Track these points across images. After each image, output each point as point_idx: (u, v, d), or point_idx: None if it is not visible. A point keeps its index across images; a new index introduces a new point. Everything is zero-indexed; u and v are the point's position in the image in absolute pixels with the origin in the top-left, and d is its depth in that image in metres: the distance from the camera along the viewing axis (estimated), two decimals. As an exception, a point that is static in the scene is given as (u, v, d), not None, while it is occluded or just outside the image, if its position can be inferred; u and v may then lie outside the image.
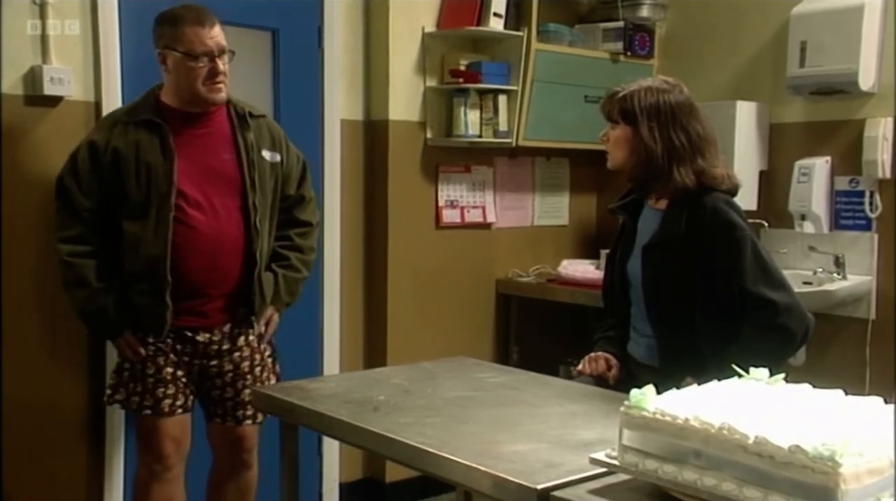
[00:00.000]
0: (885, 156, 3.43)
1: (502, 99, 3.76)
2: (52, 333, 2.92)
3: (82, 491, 3.05)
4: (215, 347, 2.61)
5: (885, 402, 1.47)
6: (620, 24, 3.98)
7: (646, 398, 1.46)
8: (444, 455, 1.70)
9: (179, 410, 2.60)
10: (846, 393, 1.53)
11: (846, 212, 3.61)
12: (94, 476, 3.06)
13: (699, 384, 1.63)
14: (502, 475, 1.57)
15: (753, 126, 3.77)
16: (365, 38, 3.67)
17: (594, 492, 1.51)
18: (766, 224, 3.77)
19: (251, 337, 2.67)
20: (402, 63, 3.64)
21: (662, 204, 2.28)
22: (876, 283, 3.53)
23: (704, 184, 2.20)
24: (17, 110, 2.83)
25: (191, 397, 2.64)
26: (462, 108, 3.69)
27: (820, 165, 3.60)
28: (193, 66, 2.48)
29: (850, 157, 3.56)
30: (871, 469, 1.25)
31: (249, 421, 2.67)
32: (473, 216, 3.95)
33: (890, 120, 3.43)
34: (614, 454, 1.50)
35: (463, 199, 3.91)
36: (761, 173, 3.81)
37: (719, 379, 1.61)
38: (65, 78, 2.87)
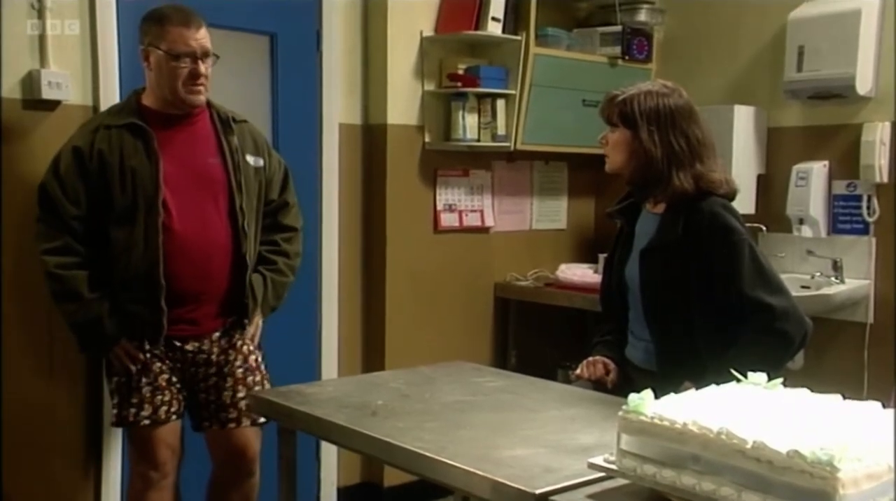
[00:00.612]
0: (882, 161, 3.43)
1: (500, 103, 3.76)
2: (51, 343, 2.90)
3: (80, 501, 3.05)
4: (204, 355, 2.60)
5: (884, 407, 1.47)
6: (618, 28, 3.99)
7: (644, 402, 1.46)
8: (443, 460, 1.69)
9: (174, 416, 2.59)
10: (844, 398, 1.53)
11: (844, 216, 3.61)
12: (91, 487, 3.05)
13: (697, 388, 1.63)
14: (501, 480, 1.57)
15: (751, 130, 3.78)
16: (363, 43, 3.67)
17: (593, 497, 1.51)
18: (764, 228, 3.77)
19: (240, 343, 2.66)
20: (400, 67, 3.64)
21: (660, 208, 2.28)
22: (874, 287, 3.53)
23: (703, 189, 2.20)
24: (15, 114, 2.82)
25: (182, 403, 2.64)
26: (460, 112, 3.70)
27: (818, 169, 3.60)
28: (175, 66, 2.48)
29: (847, 161, 3.57)
30: (870, 474, 1.25)
31: (234, 424, 2.64)
32: (472, 220, 3.95)
33: (887, 124, 3.44)
34: (612, 458, 1.50)
35: (461, 203, 3.91)
36: (759, 177, 3.82)
37: (717, 384, 1.61)
38: (63, 82, 2.86)
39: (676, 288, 2.20)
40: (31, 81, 2.83)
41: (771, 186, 3.80)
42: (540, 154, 4.12)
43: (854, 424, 1.38)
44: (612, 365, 2.38)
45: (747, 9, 3.86)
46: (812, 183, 3.58)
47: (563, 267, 4.02)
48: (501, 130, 3.78)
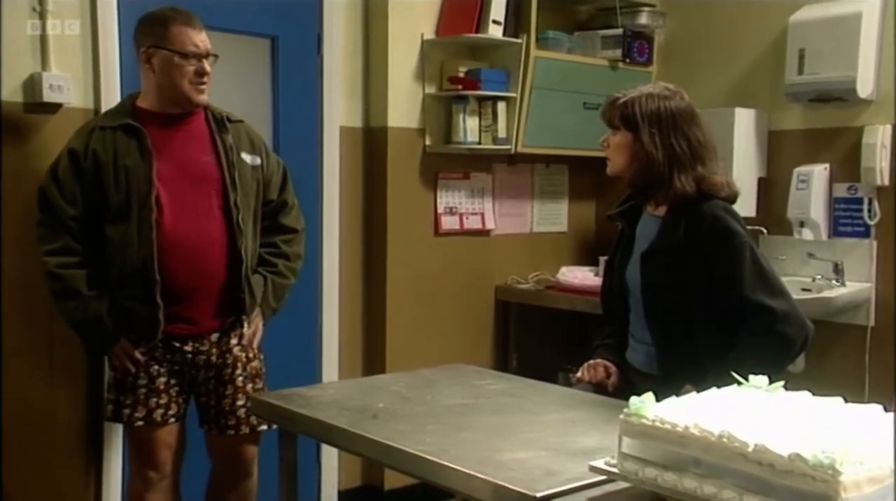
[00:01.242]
0: (883, 164, 3.43)
1: (501, 106, 3.76)
2: (51, 344, 2.90)
3: (80, 503, 3.04)
4: (203, 357, 2.60)
5: (885, 410, 1.46)
6: (619, 31, 3.99)
7: (645, 405, 1.46)
8: (444, 463, 1.69)
9: (172, 419, 2.59)
10: (846, 401, 1.52)
11: (845, 219, 3.61)
12: (92, 488, 3.05)
13: (698, 391, 1.63)
14: (502, 483, 1.57)
15: (752, 133, 3.78)
16: (364, 45, 3.68)
17: (594, 500, 1.50)
18: (765, 231, 3.77)
19: (239, 349, 2.65)
20: (401, 70, 3.65)
21: (661, 210, 2.28)
22: (875, 290, 3.53)
23: (704, 192, 2.20)
24: (17, 117, 2.82)
25: (183, 405, 2.64)
26: (461, 115, 3.70)
27: (818, 172, 3.60)
28: (183, 65, 2.50)
29: (848, 164, 3.57)
30: (872, 478, 1.25)
31: (232, 431, 2.63)
32: (472, 223, 3.95)
33: (888, 127, 3.44)
34: (614, 462, 1.49)
35: (462, 206, 3.91)
36: (760, 180, 3.82)
37: (719, 387, 1.61)
38: (64, 85, 2.87)
39: (677, 290, 2.20)
40: (32, 84, 2.83)
41: (772, 189, 3.80)
42: (541, 157, 4.12)
43: (856, 427, 1.38)
44: (612, 369, 2.38)
45: (748, 11, 3.87)
46: (813, 186, 3.58)
47: (563, 269, 4.02)
48: (502, 133, 3.78)
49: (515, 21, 3.73)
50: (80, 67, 2.93)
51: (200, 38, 2.53)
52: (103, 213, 2.50)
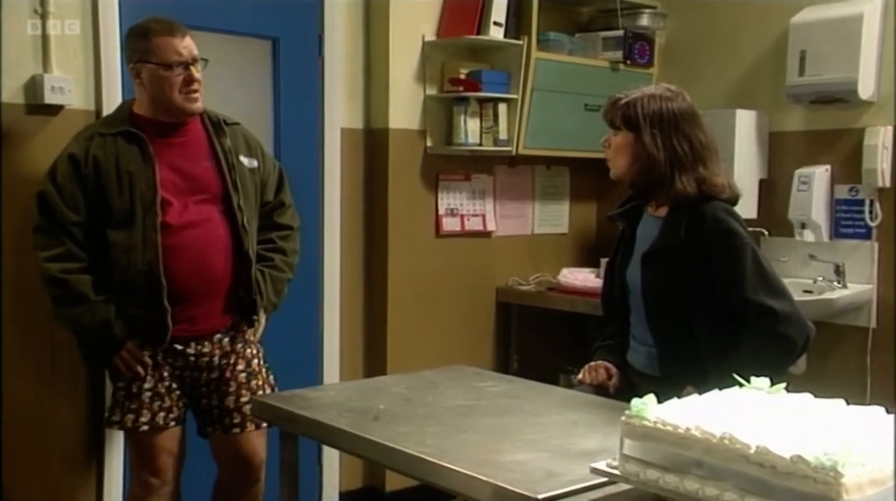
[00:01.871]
0: (884, 165, 3.43)
1: (502, 107, 3.76)
2: (52, 349, 2.90)
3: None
4: (206, 359, 2.60)
5: (887, 411, 1.46)
6: (620, 32, 3.99)
7: (647, 407, 1.46)
8: (445, 465, 1.69)
9: (173, 423, 2.58)
10: (847, 402, 1.52)
11: (846, 220, 3.61)
12: (92, 493, 3.05)
13: (700, 393, 1.63)
14: (503, 484, 1.57)
15: (753, 134, 3.78)
16: (365, 47, 3.68)
17: (595, 502, 1.51)
18: (766, 232, 3.77)
19: (241, 346, 2.66)
20: (402, 71, 3.65)
21: (662, 211, 2.28)
22: (876, 292, 3.53)
23: (705, 193, 2.20)
24: (18, 119, 2.83)
25: (184, 409, 2.63)
26: (462, 117, 3.70)
27: (820, 174, 3.60)
28: (168, 76, 2.48)
29: (849, 166, 3.56)
30: (874, 480, 1.25)
31: (238, 429, 2.64)
32: (473, 224, 3.95)
33: (889, 128, 3.43)
34: (615, 463, 1.49)
35: (463, 208, 3.91)
36: (761, 181, 3.82)
37: (720, 388, 1.61)
38: (65, 86, 2.87)
39: (678, 291, 2.19)
40: (34, 86, 2.84)
41: (773, 190, 3.80)
42: (542, 158, 4.11)
43: (857, 429, 1.38)
44: (613, 370, 2.38)
45: (749, 13, 3.86)
46: (814, 187, 3.58)
47: (564, 271, 4.01)
48: (503, 135, 3.78)
49: (516, 22, 3.74)
50: (82, 69, 2.93)
51: (184, 45, 2.50)
52: (105, 219, 2.49)
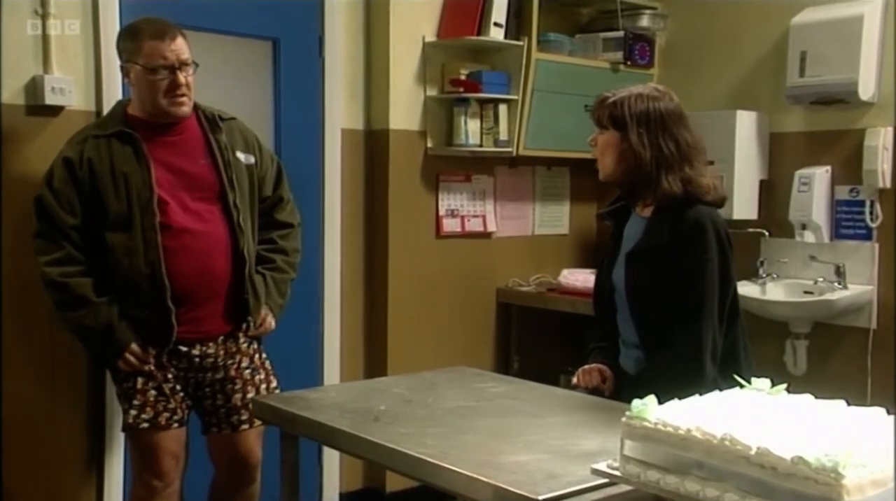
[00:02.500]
0: (885, 166, 3.43)
1: (503, 108, 3.77)
2: (52, 351, 2.90)
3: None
4: (210, 360, 2.60)
5: (888, 412, 1.46)
6: (620, 33, 3.99)
7: (647, 408, 1.46)
8: (445, 466, 1.69)
9: (176, 424, 2.58)
10: (848, 403, 1.52)
11: (847, 221, 3.61)
12: (93, 495, 3.05)
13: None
14: (503, 485, 1.57)
15: (754, 135, 3.78)
16: (365, 48, 3.68)
17: (596, 503, 1.51)
18: (767, 233, 3.77)
19: (244, 344, 2.66)
20: (402, 72, 3.65)
21: (648, 211, 2.27)
22: (877, 293, 3.52)
23: (691, 193, 2.19)
24: (19, 120, 2.82)
25: (187, 411, 2.63)
26: (462, 118, 3.70)
27: (820, 175, 3.60)
28: (153, 80, 2.48)
29: (850, 167, 3.56)
30: (875, 481, 1.25)
31: (246, 426, 2.65)
32: (474, 225, 3.95)
33: (890, 129, 3.43)
34: (616, 464, 1.49)
35: (463, 208, 3.91)
36: (762, 182, 3.82)
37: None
38: (66, 87, 2.87)
39: (660, 292, 2.19)
40: (34, 87, 2.84)
41: (773, 191, 3.80)
42: (542, 159, 4.12)
43: (858, 430, 1.38)
44: (608, 373, 2.37)
45: (749, 14, 3.86)
46: (815, 188, 3.57)
47: (565, 272, 4.01)
48: (504, 135, 3.78)
49: (517, 23, 3.74)
50: (82, 69, 2.94)
51: (171, 49, 2.48)
52: (102, 222, 2.48)
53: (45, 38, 2.85)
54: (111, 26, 2.94)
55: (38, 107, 2.85)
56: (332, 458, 3.59)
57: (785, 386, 1.60)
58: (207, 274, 2.55)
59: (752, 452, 1.30)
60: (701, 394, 1.58)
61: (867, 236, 3.55)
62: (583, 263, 4.26)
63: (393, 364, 3.66)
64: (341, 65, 3.60)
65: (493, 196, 4.03)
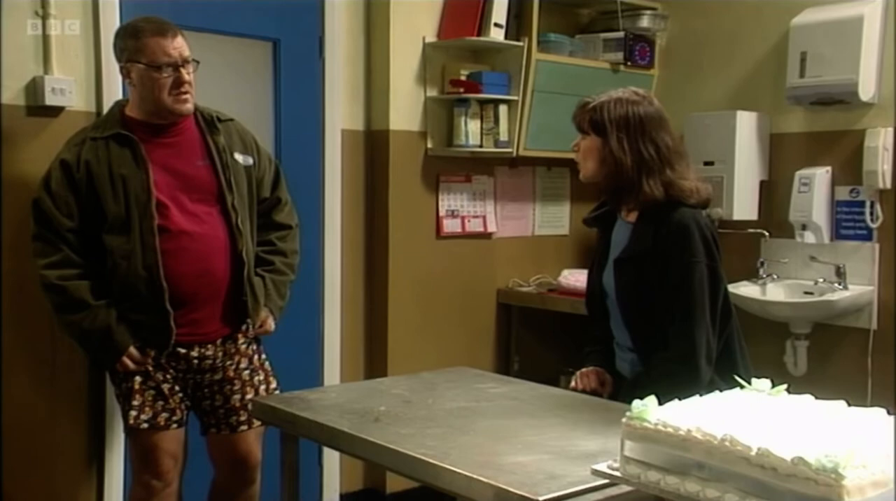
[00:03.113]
0: (885, 167, 3.43)
1: (503, 108, 3.77)
2: (53, 354, 2.90)
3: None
4: (209, 361, 2.60)
5: (888, 413, 1.46)
6: (621, 34, 3.99)
7: (648, 409, 1.46)
8: (445, 466, 1.69)
9: (175, 425, 2.58)
10: (848, 404, 1.52)
11: (847, 222, 3.61)
12: (93, 497, 3.05)
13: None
14: (503, 486, 1.57)
15: (754, 136, 3.78)
16: (366, 48, 3.68)
17: (596, 504, 1.51)
18: (767, 234, 3.77)
19: (244, 345, 2.66)
20: (402, 73, 3.65)
21: (633, 217, 2.27)
22: (877, 293, 3.52)
23: (673, 197, 2.19)
24: (19, 121, 2.82)
25: (186, 412, 2.63)
26: (463, 118, 3.70)
27: (820, 175, 3.60)
28: (157, 77, 2.47)
29: (850, 167, 3.56)
30: (875, 482, 1.25)
31: (245, 427, 2.65)
32: (474, 226, 3.95)
33: (890, 130, 3.43)
34: (616, 465, 1.49)
35: (464, 209, 3.91)
36: (762, 183, 3.82)
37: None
38: (66, 88, 2.87)
39: (650, 296, 2.19)
40: (34, 87, 2.84)
41: (774, 192, 3.80)
42: (542, 160, 4.11)
43: (859, 431, 1.38)
44: (606, 376, 2.37)
45: (750, 15, 3.86)
46: (815, 189, 3.58)
47: (565, 272, 4.01)
48: (504, 136, 3.78)
49: (517, 24, 3.74)
50: (82, 70, 2.94)
51: (174, 46, 2.48)
52: (100, 224, 2.48)
53: (45, 39, 2.85)
54: (111, 26, 2.93)
55: (38, 108, 2.85)
56: (332, 459, 3.59)
57: (785, 386, 1.60)
58: (206, 277, 2.55)
59: (753, 453, 1.30)
60: (700, 395, 1.59)
61: (867, 237, 3.55)
62: (583, 264, 4.24)
63: (393, 364, 3.66)
64: (341, 65, 3.60)
65: (494, 196, 4.03)
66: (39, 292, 2.54)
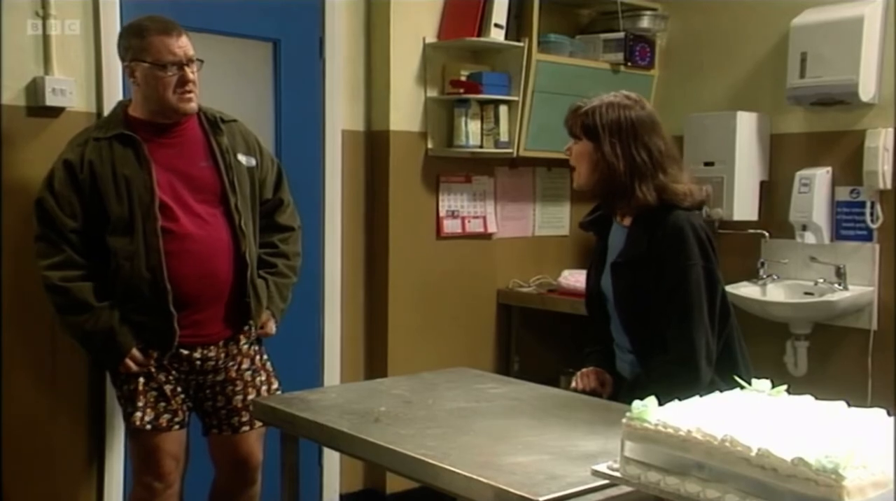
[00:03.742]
0: (885, 167, 3.43)
1: (503, 109, 3.77)
2: (53, 355, 2.90)
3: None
4: (211, 362, 2.60)
5: (888, 414, 1.46)
6: (621, 34, 3.99)
7: (648, 409, 1.46)
8: (445, 467, 1.69)
9: (176, 426, 2.58)
10: (848, 405, 1.52)
11: (847, 222, 3.61)
12: (93, 498, 3.05)
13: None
14: (503, 487, 1.57)
15: (754, 136, 3.78)
16: (366, 49, 3.68)
17: (596, 504, 1.51)
18: (767, 234, 3.77)
19: (245, 345, 2.66)
20: (402, 73, 3.65)
21: (628, 221, 2.27)
22: (877, 294, 3.52)
23: (666, 201, 2.18)
24: (19, 121, 2.82)
25: (188, 413, 2.63)
26: (463, 119, 3.70)
27: (821, 176, 3.60)
28: (162, 76, 2.47)
29: (850, 168, 3.56)
30: (875, 482, 1.25)
31: (247, 427, 2.65)
32: (474, 226, 3.95)
33: (890, 130, 3.43)
34: (616, 466, 1.49)
35: (464, 209, 3.91)
36: (762, 183, 3.82)
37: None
38: (66, 89, 2.87)
39: (647, 300, 2.18)
40: (35, 88, 2.84)
41: (774, 192, 3.80)
42: (542, 160, 4.11)
43: (859, 431, 1.38)
44: (606, 376, 2.37)
45: (750, 15, 3.87)
46: (815, 189, 3.58)
47: (565, 273, 4.01)
48: (504, 136, 3.78)
49: (517, 24, 3.74)
50: (83, 70, 2.93)
51: (179, 46, 2.48)
52: (103, 225, 2.48)
53: (45, 39, 2.85)
54: (112, 26, 2.94)
55: (38, 109, 2.85)
56: (332, 459, 3.59)
57: (785, 387, 1.60)
58: (209, 278, 2.55)
59: (753, 453, 1.30)
60: (700, 396, 1.59)
61: (868, 237, 3.55)
62: (583, 264, 4.23)
63: (393, 365, 3.66)
64: (342, 66, 3.60)
65: (494, 197, 4.03)
66: (40, 292, 2.54)
